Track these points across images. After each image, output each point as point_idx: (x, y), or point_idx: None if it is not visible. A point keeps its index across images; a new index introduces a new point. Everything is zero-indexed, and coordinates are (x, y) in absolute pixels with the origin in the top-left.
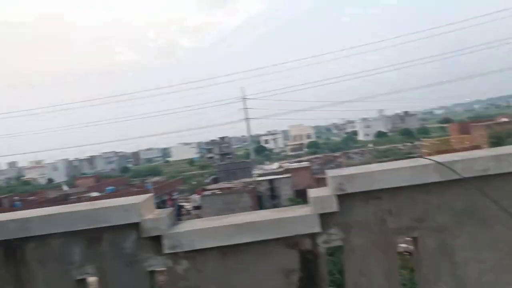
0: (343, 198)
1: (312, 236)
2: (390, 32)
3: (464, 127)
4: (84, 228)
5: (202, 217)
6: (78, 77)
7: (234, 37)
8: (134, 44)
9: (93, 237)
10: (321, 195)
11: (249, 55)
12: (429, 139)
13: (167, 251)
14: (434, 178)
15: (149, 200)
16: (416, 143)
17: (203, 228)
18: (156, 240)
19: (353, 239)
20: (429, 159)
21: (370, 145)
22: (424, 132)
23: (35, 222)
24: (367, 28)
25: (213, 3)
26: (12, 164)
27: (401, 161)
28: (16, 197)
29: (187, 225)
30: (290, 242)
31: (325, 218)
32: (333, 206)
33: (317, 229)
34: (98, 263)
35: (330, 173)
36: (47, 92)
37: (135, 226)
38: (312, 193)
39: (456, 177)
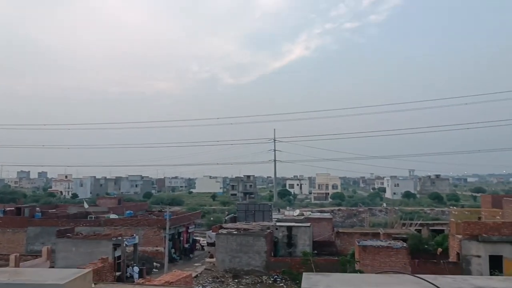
0: None
1: None
2: (436, 93)
3: (497, 200)
4: None
5: (215, 256)
6: (117, 99)
7: (274, 78)
8: (176, 73)
9: None
10: None
11: (287, 98)
12: (459, 208)
13: None
14: None
15: (82, 278)
16: (445, 209)
17: None
18: None
19: None
20: (422, 278)
21: (392, 205)
22: (454, 198)
23: None
24: (414, 87)
25: (258, 44)
26: (42, 174)
27: (387, 275)
28: (37, 208)
29: None
30: None
31: None
32: None
33: None
34: None
35: (307, 281)
36: (85, 109)
37: None
38: None
39: None
